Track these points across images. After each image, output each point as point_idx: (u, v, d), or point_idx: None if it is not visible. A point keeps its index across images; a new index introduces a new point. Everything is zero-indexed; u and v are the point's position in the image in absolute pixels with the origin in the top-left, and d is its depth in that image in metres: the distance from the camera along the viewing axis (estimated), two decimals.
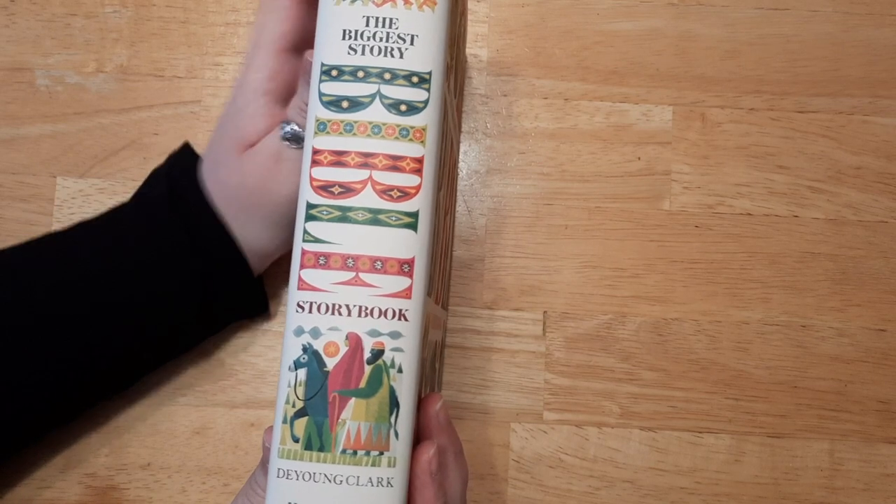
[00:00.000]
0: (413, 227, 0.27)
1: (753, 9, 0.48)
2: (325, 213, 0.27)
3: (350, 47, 0.28)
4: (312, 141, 0.28)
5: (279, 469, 0.26)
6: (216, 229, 0.39)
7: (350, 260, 0.27)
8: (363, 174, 0.27)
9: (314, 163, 0.28)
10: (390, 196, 0.27)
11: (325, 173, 0.27)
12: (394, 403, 0.27)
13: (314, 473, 0.26)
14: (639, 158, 0.46)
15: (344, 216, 0.27)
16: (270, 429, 0.27)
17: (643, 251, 0.46)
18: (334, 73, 0.28)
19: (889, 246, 0.46)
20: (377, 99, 0.28)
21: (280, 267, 0.44)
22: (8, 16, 0.47)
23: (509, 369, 0.44)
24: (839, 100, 0.47)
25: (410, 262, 0.27)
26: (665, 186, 0.46)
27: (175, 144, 0.46)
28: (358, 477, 0.26)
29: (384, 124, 0.28)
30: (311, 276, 0.27)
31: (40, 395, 0.38)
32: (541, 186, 0.46)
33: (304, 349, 0.27)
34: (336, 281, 0.27)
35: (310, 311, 0.27)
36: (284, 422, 0.26)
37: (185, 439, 0.44)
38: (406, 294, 0.27)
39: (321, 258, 0.27)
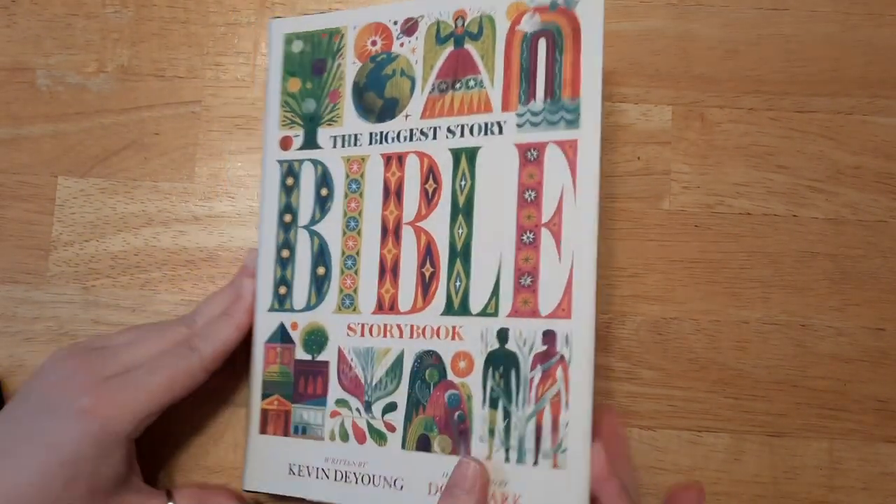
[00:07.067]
0: None
1: (753, 9, 0.48)
2: None
3: None
4: None
5: None
6: None
7: None
8: None
9: None
10: None
11: None
12: None
13: None
14: (638, 158, 0.46)
15: None
16: None
17: (642, 251, 0.46)
18: None
19: (888, 246, 0.46)
20: None
21: None
22: (9, 16, 0.47)
23: None
24: (838, 100, 0.47)
25: None
26: (664, 186, 0.46)
27: (176, 144, 0.46)
28: None
29: None
30: None
31: None
32: None
33: None
34: None
35: None
36: None
37: None
38: None
39: None
